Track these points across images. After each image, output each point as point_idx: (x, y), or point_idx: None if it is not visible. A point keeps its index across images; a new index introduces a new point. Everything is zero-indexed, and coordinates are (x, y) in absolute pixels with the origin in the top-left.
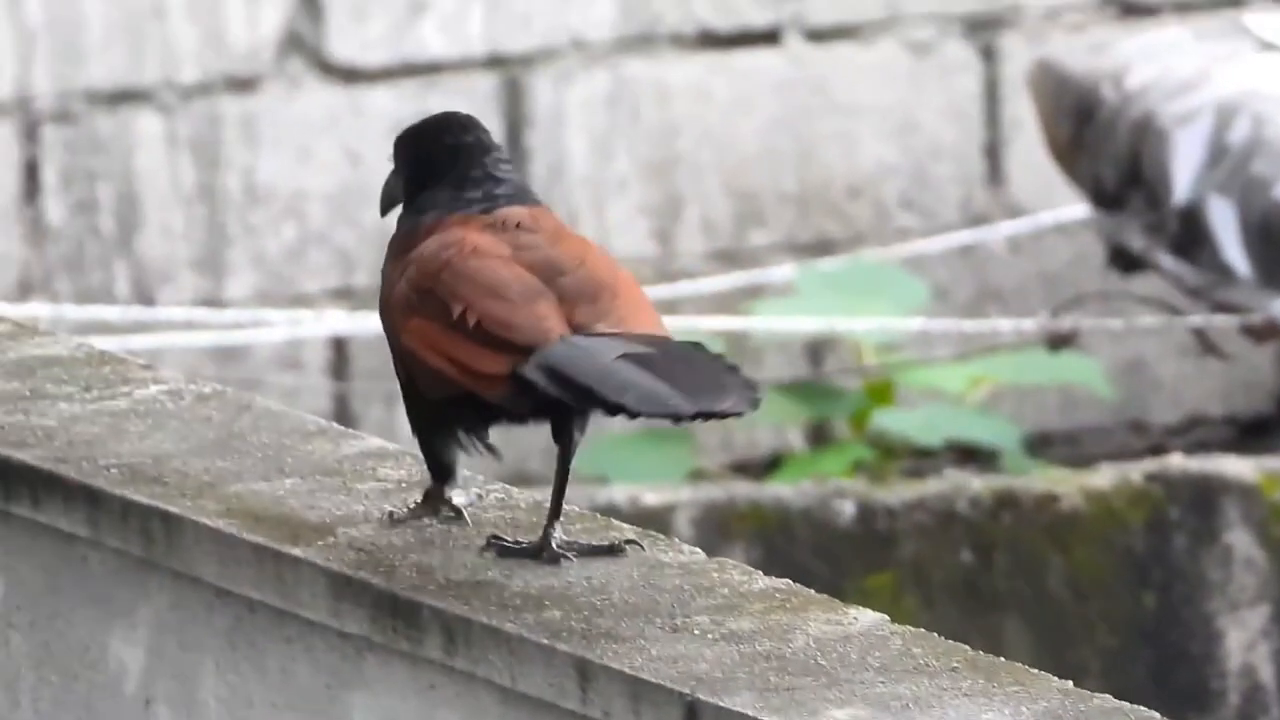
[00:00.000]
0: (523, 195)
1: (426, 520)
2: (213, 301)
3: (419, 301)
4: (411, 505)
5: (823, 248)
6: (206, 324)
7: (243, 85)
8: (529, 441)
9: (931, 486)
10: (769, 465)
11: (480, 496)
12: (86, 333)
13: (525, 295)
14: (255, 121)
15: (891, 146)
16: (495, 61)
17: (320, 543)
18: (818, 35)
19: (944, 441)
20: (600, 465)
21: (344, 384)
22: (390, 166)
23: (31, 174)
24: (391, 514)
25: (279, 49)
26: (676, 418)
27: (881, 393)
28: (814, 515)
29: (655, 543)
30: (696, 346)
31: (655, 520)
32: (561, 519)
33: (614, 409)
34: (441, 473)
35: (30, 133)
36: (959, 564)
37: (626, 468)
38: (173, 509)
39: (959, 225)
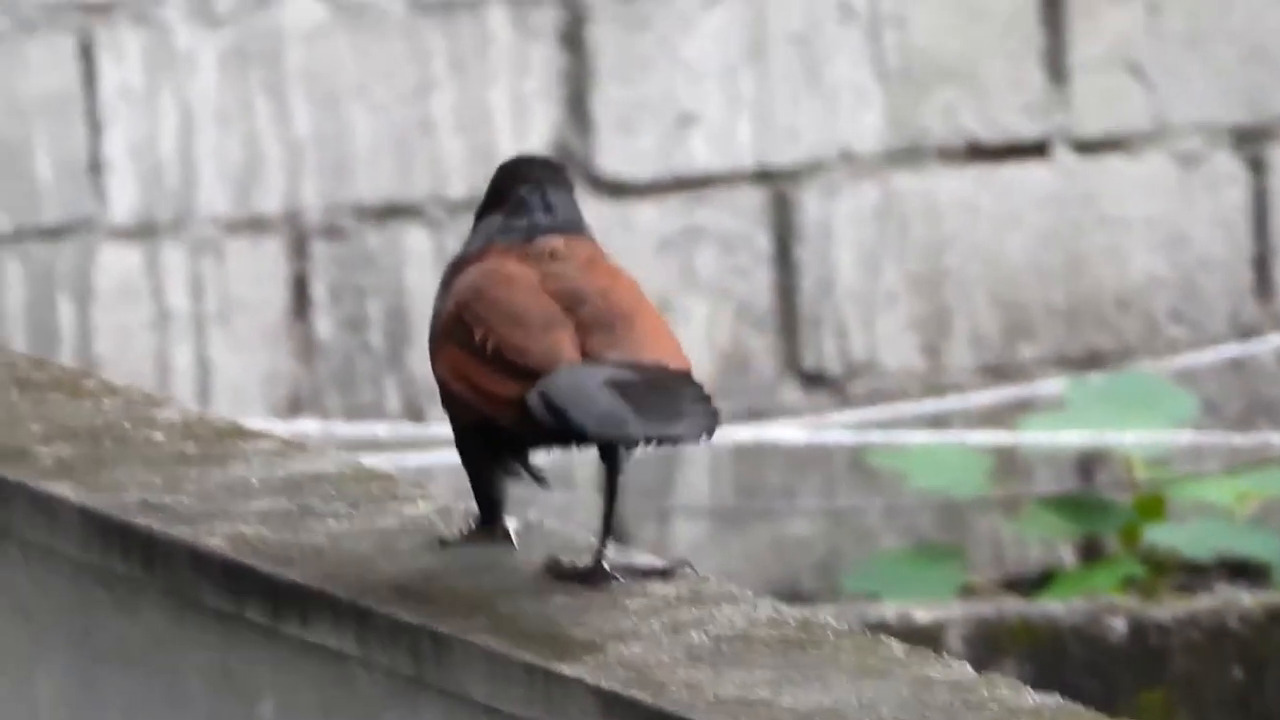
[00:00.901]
0: (568, 225)
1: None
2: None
3: (453, 329)
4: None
5: (1092, 361)
6: None
7: None
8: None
9: (1203, 602)
10: (1040, 581)
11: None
12: (356, 449)
13: (544, 322)
14: None
15: (1160, 259)
16: (763, 175)
17: (589, 660)
18: (1086, 147)
19: (1215, 556)
20: (871, 582)
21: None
22: None
23: (300, 289)
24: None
25: None
26: (630, 442)
27: (1152, 507)
28: (1085, 631)
29: (925, 659)
30: (684, 376)
31: (926, 637)
32: (611, 539)
33: (580, 435)
34: (489, 509)
35: (299, 248)
36: (1230, 681)
37: (897, 585)
38: (442, 627)
39: (1228, 338)
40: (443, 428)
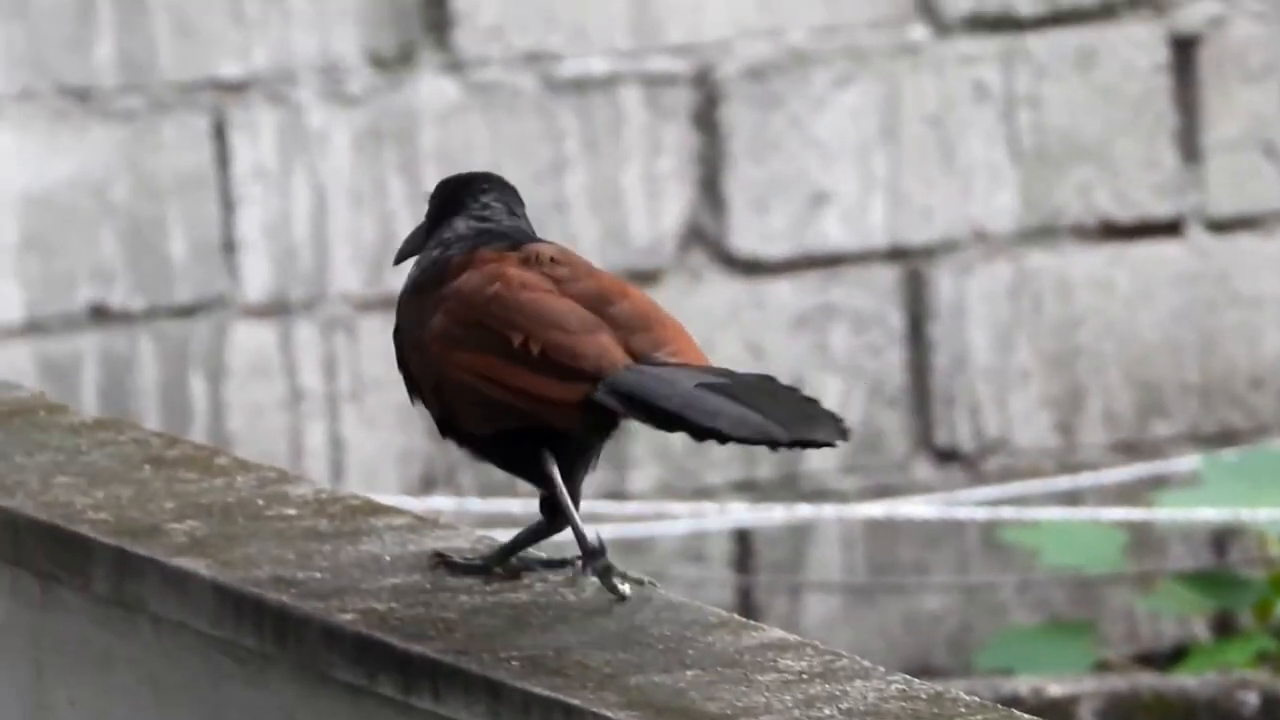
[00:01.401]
0: (535, 237)
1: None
2: (616, 494)
3: (464, 335)
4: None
5: (1226, 438)
6: (610, 516)
7: (645, 278)
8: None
9: None
10: (1173, 656)
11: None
12: (489, 526)
13: (584, 325)
14: None
15: None
16: (897, 253)
17: None
18: (1219, 226)
19: None
20: (1004, 658)
21: (747, 576)
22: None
23: None
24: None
25: (680, 241)
26: (773, 444)
27: None
28: (1218, 706)
29: None
30: (765, 378)
31: (1059, 712)
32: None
33: (705, 433)
34: (551, 488)
35: None
36: None
37: (1030, 660)
38: (574, 701)
39: None
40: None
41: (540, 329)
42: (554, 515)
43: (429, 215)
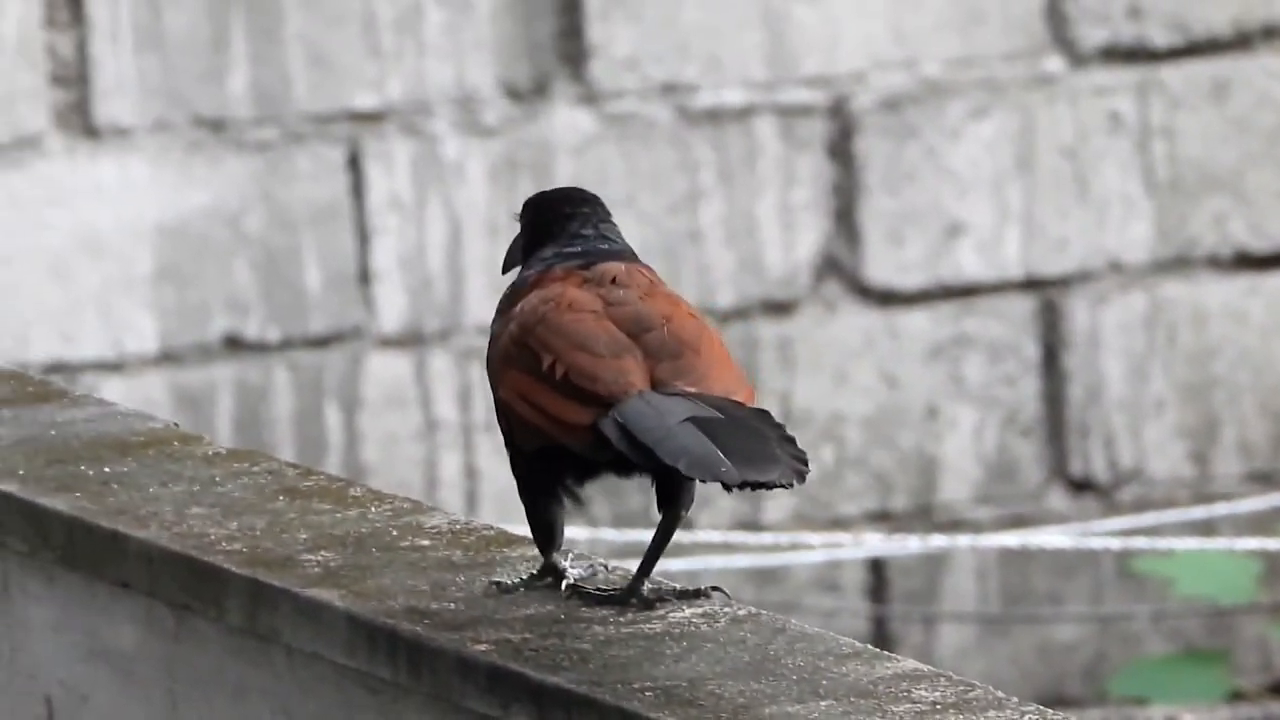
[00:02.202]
0: (624, 252)
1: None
2: (750, 524)
3: (516, 354)
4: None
5: None
6: (745, 546)
7: (779, 309)
8: None
9: None
10: None
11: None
12: (623, 556)
13: (612, 349)
14: (791, 344)
15: None
16: (1031, 284)
17: None
18: None
19: None
20: (1139, 687)
21: (882, 606)
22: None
23: None
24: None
25: (815, 272)
26: (724, 485)
27: None
28: None
29: None
30: (763, 414)
31: None
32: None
33: (668, 471)
34: (546, 539)
35: None
36: None
37: (1164, 689)
38: None
39: None
40: (709, 534)
41: (569, 351)
42: (671, 511)
43: (523, 233)
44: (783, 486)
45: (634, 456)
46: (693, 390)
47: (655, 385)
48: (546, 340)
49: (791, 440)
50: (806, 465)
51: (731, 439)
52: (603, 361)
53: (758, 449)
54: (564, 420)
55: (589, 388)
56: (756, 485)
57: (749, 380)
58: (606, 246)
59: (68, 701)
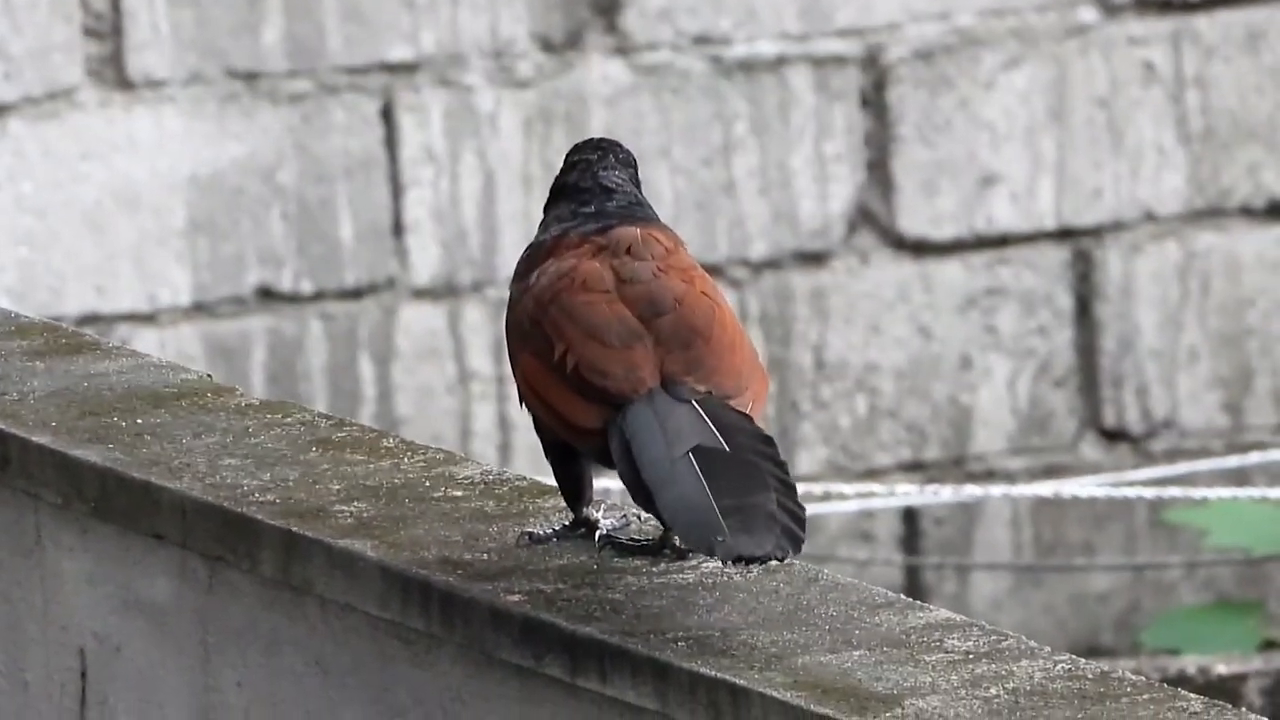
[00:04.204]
0: (634, 209)
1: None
2: None
3: (531, 332)
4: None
5: None
6: None
7: (813, 260)
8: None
9: None
10: None
11: (627, 521)
12: None
13: (623, 338)
14: (825, 296)
15: None
16: (1065, 234)
17: (888, 714)
18: None
19: None
20: (1171, 637)
21: (915, 556)
22: None
23: None
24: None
25: (849, 224)
26: (712, 555)
27: None
28: None
29: (1223, 713)
30: (767, 444)
31: (1226, 690)
32: None
33: (663, 522)
34: (574, 496)
35: None
36: None
37: (1197, 639)
38: (740, 681)
39: None
40: None
41: (581, 341)
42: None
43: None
44: (777, 559)
45: (634, 495)
46: (703, 390)
47: (665, 379)
48: (560, 325)
49: (792, 489)
50: (803, 529)
51: (731, 487)
52: (613, 354)
53: (756, 510)
54: (574, 424)
55: (598, 383)
56: (749, 560)
57: (760, 361)
58: (614, 204)
59: (101, 653)
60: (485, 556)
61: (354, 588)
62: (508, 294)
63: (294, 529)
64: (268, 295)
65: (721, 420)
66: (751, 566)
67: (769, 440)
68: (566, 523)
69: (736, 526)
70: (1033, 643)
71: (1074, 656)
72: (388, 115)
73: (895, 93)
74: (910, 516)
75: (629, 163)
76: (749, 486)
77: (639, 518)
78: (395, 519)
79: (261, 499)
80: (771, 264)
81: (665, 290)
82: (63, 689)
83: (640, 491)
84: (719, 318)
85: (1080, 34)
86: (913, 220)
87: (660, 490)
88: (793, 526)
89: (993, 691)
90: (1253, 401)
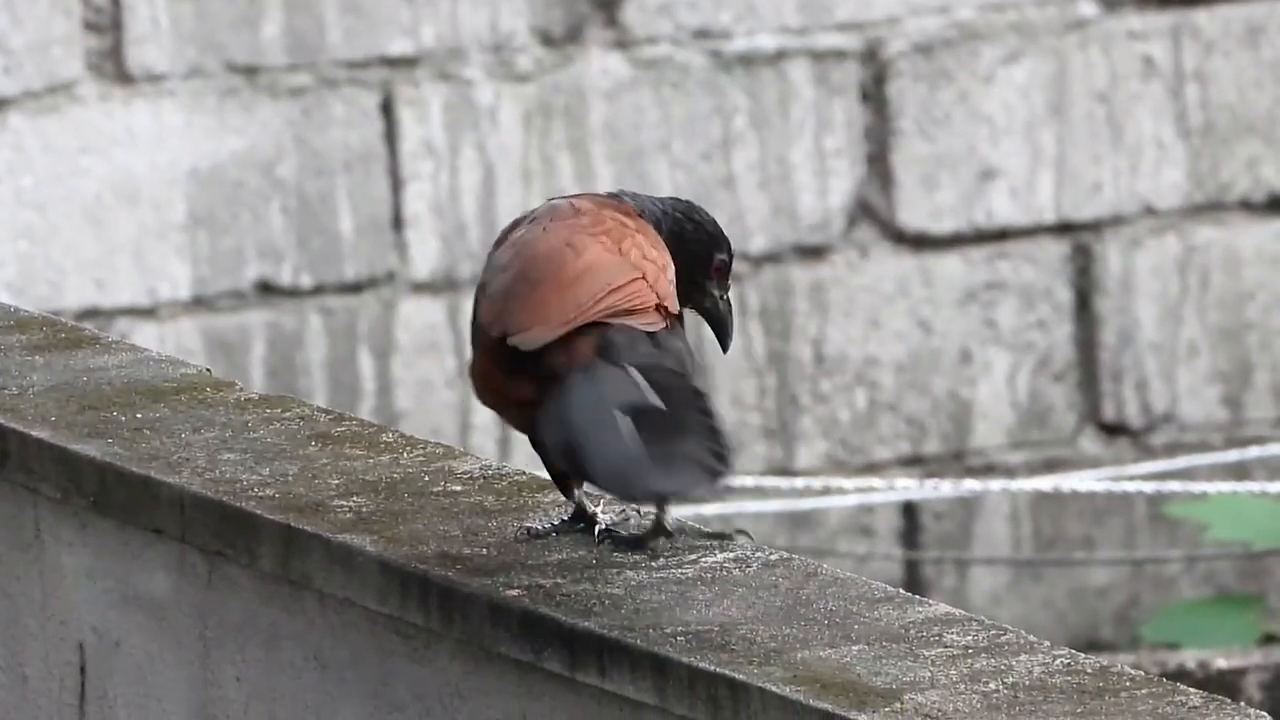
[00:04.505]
0: (619, 197)
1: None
2: (783, 469)
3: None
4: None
5: None
6: (778, 491)
7: (813, 254)
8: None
9: None
10: None
11: (626, 515)
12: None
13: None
14: (825, 289)
15: None
16: (1064, 228)
17: (886, 709)
18: None
19: None
20: (1171, 632)
21: (914, 551)
22: None
23: None
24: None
25: (848, 217)
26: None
27: None
28: None
29: (1222, 708)
30: (690, 397)
31: (1226, 685)
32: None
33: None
34: (563, 484)
35: None
36: None
37: (1197, 633)
38: (739, 676)
39: None
40: (743, 479)
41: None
42: None
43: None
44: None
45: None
46: (496, 334)
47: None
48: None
49: (716, 434)
50: (724, 462)
51: (663, 434)
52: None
53: (681, 451)
54: (510, 397)
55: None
56: (664, 496)
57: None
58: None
59: (100, 648)
60: (484, 551)
61: (353, 582)
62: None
63: (293, 524)
64: (267, 289)
65: (661, 373)
66: (669, 501)
67: (696, 395)
68: (566, 517)
69: (655, 467)
70: (1032, 637)
71: (1073, 651)
72: (387, 109)
73: (895, 87)
74: (910, 511)
75: (693, 217)
76: (678, 429)
77: (638, 512)
78: (394, 514)
79: (260, 494)
80: (771, 258)
81: (523, 247)
82: (62, 684)
83: (563, 452)
84: (555, 260)
85: (1080, 28)
86: (912, 214)
87: (583, 446)
88: (711, 461)
89: (992, 686)
90: (1252, 396)
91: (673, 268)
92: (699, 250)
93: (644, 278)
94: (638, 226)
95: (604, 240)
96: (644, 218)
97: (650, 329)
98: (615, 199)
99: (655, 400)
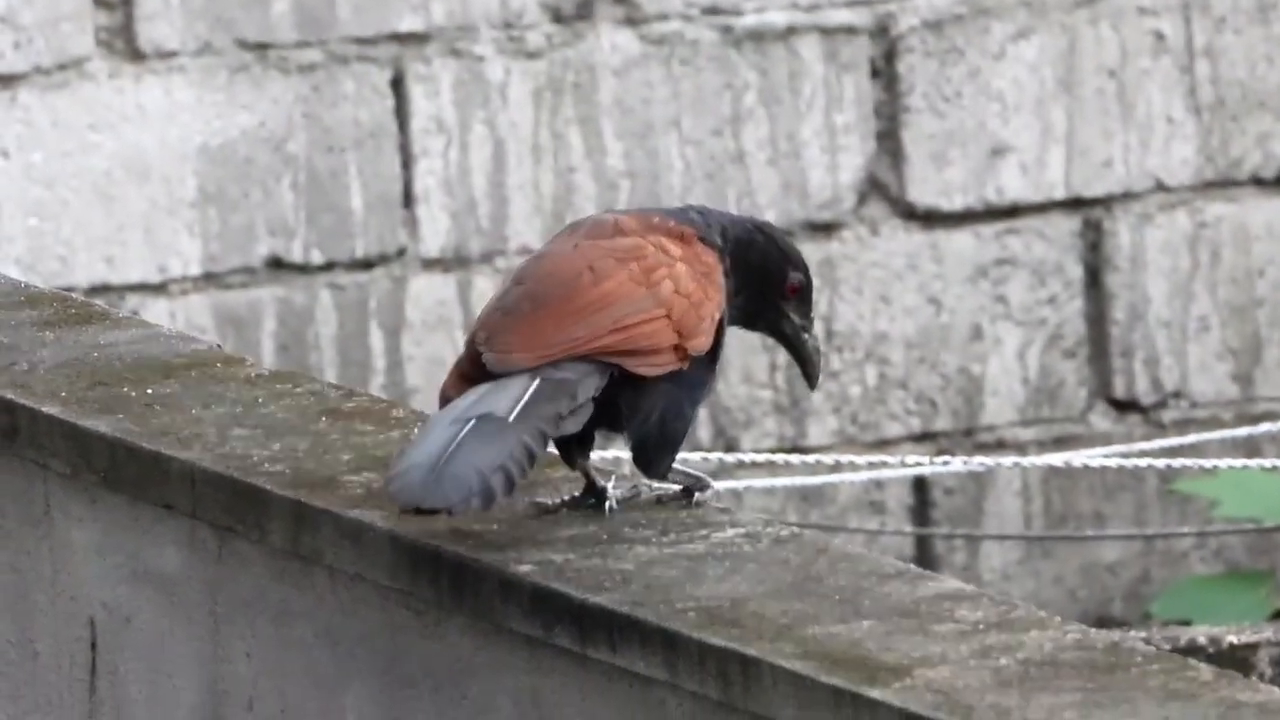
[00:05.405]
0: (684, 213)
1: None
2: (795, 446)
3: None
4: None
5: None
6: (789, 467)
7: (823, 230)
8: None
9: None
10: None
11: (637, 491)
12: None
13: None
14: (835, 266)
15: None
16: (1075, 204)
17: (897, 684)
18: None
19: None
20: (1182, 608)
21: (925, 527)
22: None
23: None
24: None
25: (859, 194)
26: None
27: None
28: None
29: (1234, 683)
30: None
31: (1237, 660)
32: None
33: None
34: (568, 458)
35: None
36: None
37: (1208, 609)
38: (750, 651)
39: None
40: (754, 456)
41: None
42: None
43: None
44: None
45: None
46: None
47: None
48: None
49: (530, 456)
50: (507, 491)
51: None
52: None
53: (462, 470)
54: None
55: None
56: (418, 511)
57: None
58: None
59: (110, 623)
60: (495, 527)
61: (363, 558)
62: (520, 263)
63: (303, 499)
64: (278, 265)
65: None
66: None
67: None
68: (576, 493)
69: (431, 481)
70: (1043, 613)
71: (1084, 627)
72: (398, 85)
73: (905, 63)
74: (920, 487)
75: (764, 230)
76: (476, 442)
77: (649, 488)
78: None
79: (271, 469)
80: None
81: (545, 261)
82: (72, 659)
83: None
84: (569, 284)
85: (1090, 4)
86: (923, 190)
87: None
88: (492, 486)
89: (1003, 662)
90: (1263, 372)
91: (716, 302)
92: (768, 265)
93: (668, 315)
94: (684, 255)
95: (632, 268)
96: (708, 237)
97: (653, 371)
98: (681, 217)
99: (463, 423)
